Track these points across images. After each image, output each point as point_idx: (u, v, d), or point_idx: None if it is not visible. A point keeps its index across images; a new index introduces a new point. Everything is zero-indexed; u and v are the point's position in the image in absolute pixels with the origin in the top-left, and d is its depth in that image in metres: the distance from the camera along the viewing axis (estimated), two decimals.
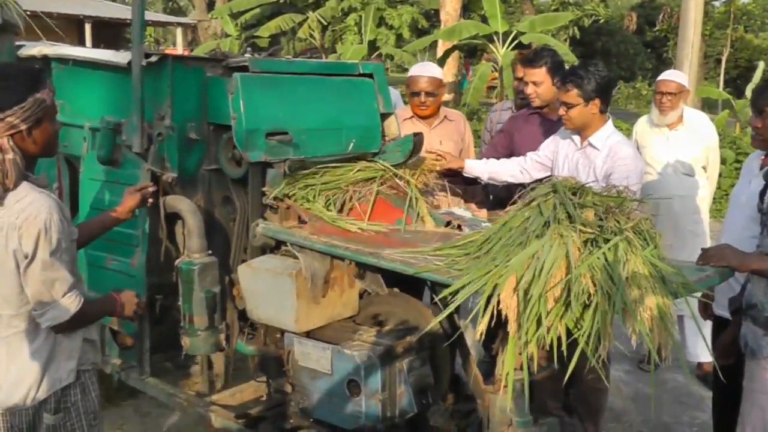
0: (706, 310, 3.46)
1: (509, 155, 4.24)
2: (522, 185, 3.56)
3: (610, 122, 3.73)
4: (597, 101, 3.59)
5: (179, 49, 23.02)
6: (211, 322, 3.19)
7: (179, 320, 3.23)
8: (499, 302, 2.33)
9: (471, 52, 28.47)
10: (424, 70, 4.61)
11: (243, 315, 3.31)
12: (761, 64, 16.12)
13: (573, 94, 3.57)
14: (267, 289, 3.07)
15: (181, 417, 4.13)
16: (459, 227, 3.43)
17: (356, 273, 3.18)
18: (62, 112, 3.61)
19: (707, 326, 4.64)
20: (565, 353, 2.28)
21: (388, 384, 2.81)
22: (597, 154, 3.66)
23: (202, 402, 3.38)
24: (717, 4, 28.41)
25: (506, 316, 2.33)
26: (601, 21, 29.34)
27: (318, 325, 3.07)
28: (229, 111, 3.24)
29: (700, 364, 4.97)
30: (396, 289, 3.16)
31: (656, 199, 3.40)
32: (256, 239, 3.24)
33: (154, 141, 3.26)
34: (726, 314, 3.27)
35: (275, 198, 3.21)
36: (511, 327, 2.34)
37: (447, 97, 15.96)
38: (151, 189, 2.93)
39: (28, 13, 3.54)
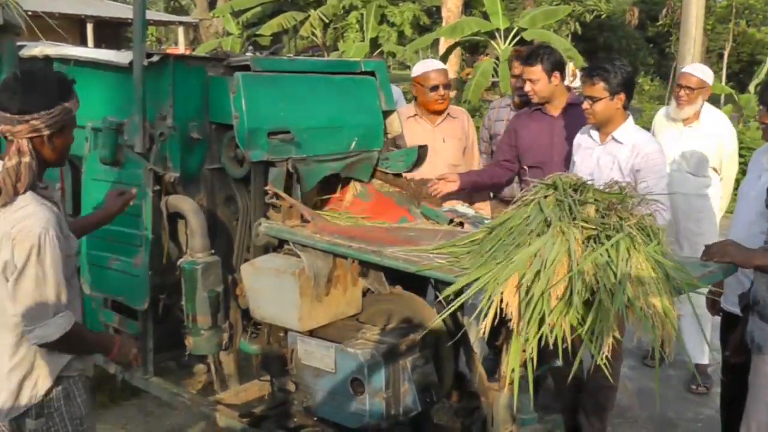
0: (714, 306, 3.45)
1: (516, 154, 4.29)
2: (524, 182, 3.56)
3: (631, 118, 3.76)
4: (622, 96, 3.62)
5: (181, 48, 23.04)
6: (214, 321, 3.19)
7: (182, 320, 3.23)
8: (501, 300, 2.33)
9: (473, 49, 28.43)
10: (433, 65, 4.63)
11: (246, 314, 3.31)
12: None
13: (599, 88, 3.59)
14: (270, 288, 3.07)
15: (185, 416, 4.14)
16: (462, 225, 3.43)
17: (359, 271, 3.18)
18: None
19: (707, 326, 4.64)
20: (570, 351, 2.28)
21: (392, 382, 2.80)
22: (621, 148, 3.67)
23: (205, 401, 3.39)
24: None
25: (509, 313, 2.32)
26: (603, 16, 29.26)
27: (321, 323, 3.07)
28: (230, 110, 3.25)
29: (697, 366, 4.83)
30: (399, 287, 3.16)
31: (657, 194, 3.39)
32: (258, 238, 3.24)
33: (156, 141, 3.26)
34: (736, 310, 3.26)
35: (277, 196, 3.21)
36: (514, 325, 2.33)
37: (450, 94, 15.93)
38: (133, 194, 2.92)
39: (30, 13, 3.54)
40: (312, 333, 3.04)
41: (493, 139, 4.97)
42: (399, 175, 3.72)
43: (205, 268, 3.15)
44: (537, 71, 4.13)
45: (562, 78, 4.21)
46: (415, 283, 3.12)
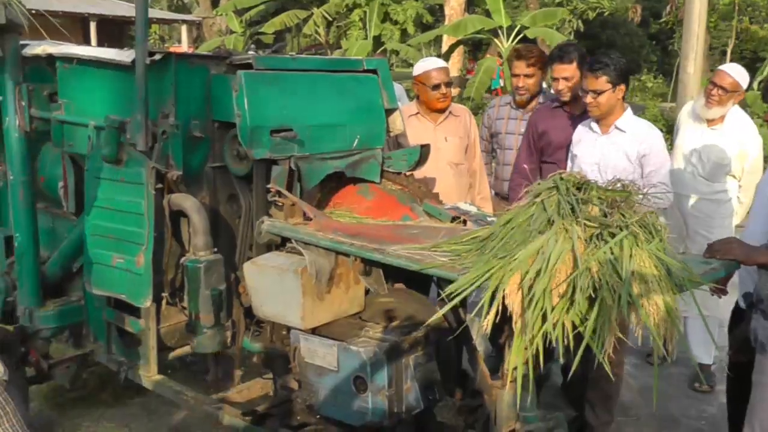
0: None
1: (541, 154, 4.33)
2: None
3: (629, 108, 3.95)
4: (622, 87, 3.83)
5: (184, 46, 23.05)
6: (217, 319, 3.19)
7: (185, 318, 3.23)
8: (504, 297, 2.33)
9: (476, 47, 28.42)
10: (434, 63, 4.62)
11: (249, 312, 3.32)
12: None
13: (603, 81, 3.76)
14: (273, 286, 3.07)
15: (188, 414, 4.14)
16: (464, 222, 3.43)
17: (362, 270, 3.18)
18: (67, 111, 3.64)
19: (714, 327, 4.62)
20: (571, 347, 2.28)
21: (394, 380, 2.80)
22: (624, 137, 3.86)
23: (209, 399, 3.39)
24: None
25: (512, 311, 2.32)
26: (606, 14, 29.23)
27: (324, 321, 3.06)
28: (233, 108, 3.24)
29: (701, 366, 4.81)
30: (401, 284, 3.16)
31: (662, 192, 3.40)
32: (261, 236, 3.24)
33: (158, 139, 3.26)
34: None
35: (280, 194, 3.21)
36: (516, 322, 2.33)
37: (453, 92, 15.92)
38: None
39: (33, 11, 3.54)
40: (315, 331, 3.04)
41: (493, 138, 4.96)
42: (401, 174, 3.72)
43: (208, 267, 3.15)
44: (571, 69, 4.14)
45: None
46: (419, 281, 3.12)
